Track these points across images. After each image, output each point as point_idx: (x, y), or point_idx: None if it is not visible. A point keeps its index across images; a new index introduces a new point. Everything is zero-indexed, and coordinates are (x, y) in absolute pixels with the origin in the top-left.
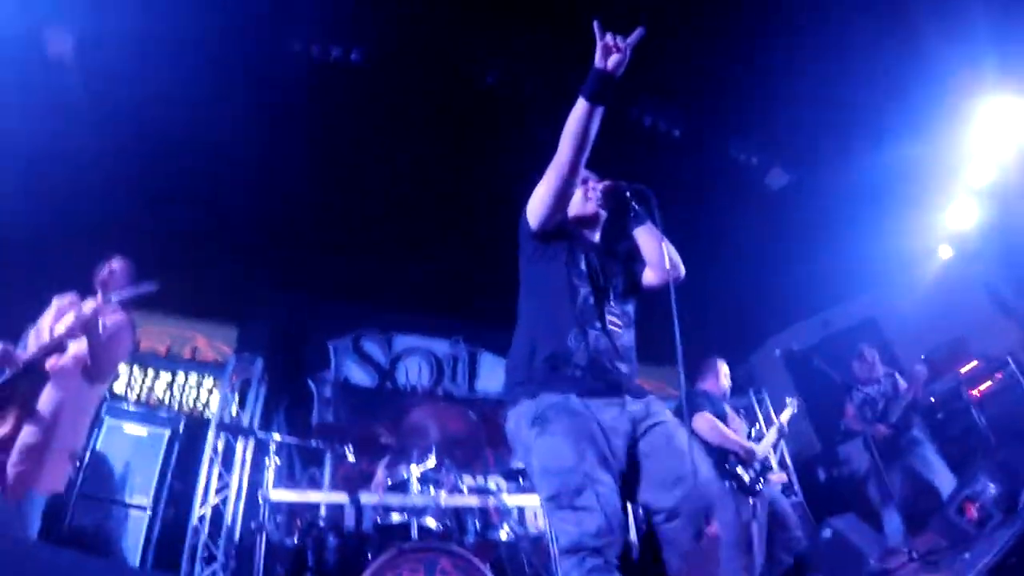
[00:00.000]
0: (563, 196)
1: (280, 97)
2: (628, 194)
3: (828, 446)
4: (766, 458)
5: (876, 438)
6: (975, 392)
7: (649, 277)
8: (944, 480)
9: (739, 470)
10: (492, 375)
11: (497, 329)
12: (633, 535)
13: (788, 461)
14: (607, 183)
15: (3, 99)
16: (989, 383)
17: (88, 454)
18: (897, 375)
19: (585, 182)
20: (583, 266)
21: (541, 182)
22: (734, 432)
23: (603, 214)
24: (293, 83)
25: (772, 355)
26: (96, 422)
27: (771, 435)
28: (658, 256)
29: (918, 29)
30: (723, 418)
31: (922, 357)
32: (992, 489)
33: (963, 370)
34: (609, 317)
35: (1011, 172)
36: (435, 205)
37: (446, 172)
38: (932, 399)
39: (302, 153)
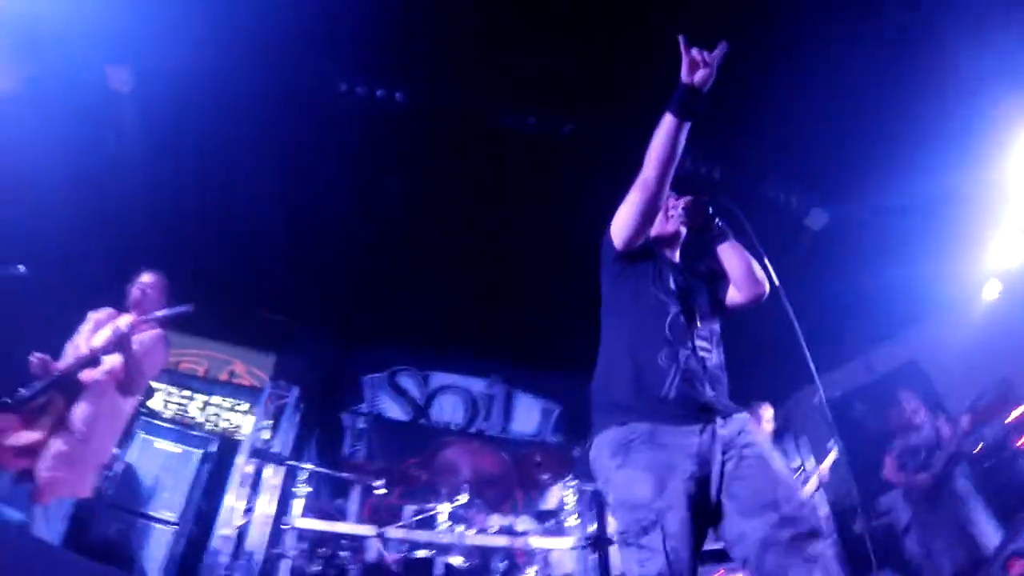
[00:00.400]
0: (650, 214)
1: (324, 136)
2: (711, 209)
3: (867, 497)
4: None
5: (916, 488)
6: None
7: (733, 295)
8: (990, 534)
9: None
10: (527, 416)
11: (533, 370)
12: None
13: (826, 510)
14: (688, 199)
15: (65, 127)
16: None
17: (121, 465)
18: (940, 423)
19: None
20: (671, 284)
21: (625, 201)
22: None
23: (683, 232)
24: (337, 122)
25: (811, 400)
26: (128, 434)
27: (812, 483)
28: (743, 271)
29: (957, 60)
30: None
31: (967, 406)
32: None
33: (1011, 417)
34: (699, 338)
35: None
36: (476, 246)
37: (487, 214)
38: (978, 447)
39: (344, 191)
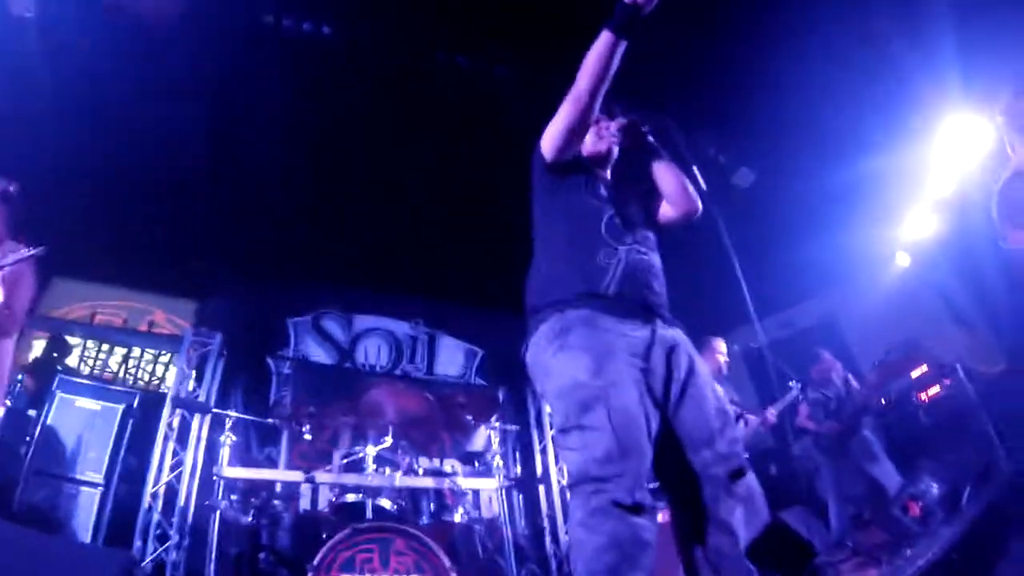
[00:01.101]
0: (580, 128)
1: (247, 69)
2: (645, 128)
3: (781, 442)
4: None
5: (826, 435)
6: (924, 396)
7: (666, 211)
8: (891, 479)
9: None
10: (451, 359)
11: (458, 312)
12: None
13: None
14: (623, 121)
15: None
16: (938, 388)
17: (38, 428)
18: (851, 377)
19: (597, 122)
20: (603, 192)
21: (557, 115)
22: None
23: (615, 152)
24: (260, 57)
25: (732, 349)
26: (48, 395)
27: (752, 423)
28: (675, 188)
29: (888, 46)
30: None
31: (875, 363)
32: (935, 489)
33: (914, 374)
34: (635, 241)
35: (970, 186)
36: (401, 185)
37: (412, 151)
38: (883, 401)
39: (266, 129)
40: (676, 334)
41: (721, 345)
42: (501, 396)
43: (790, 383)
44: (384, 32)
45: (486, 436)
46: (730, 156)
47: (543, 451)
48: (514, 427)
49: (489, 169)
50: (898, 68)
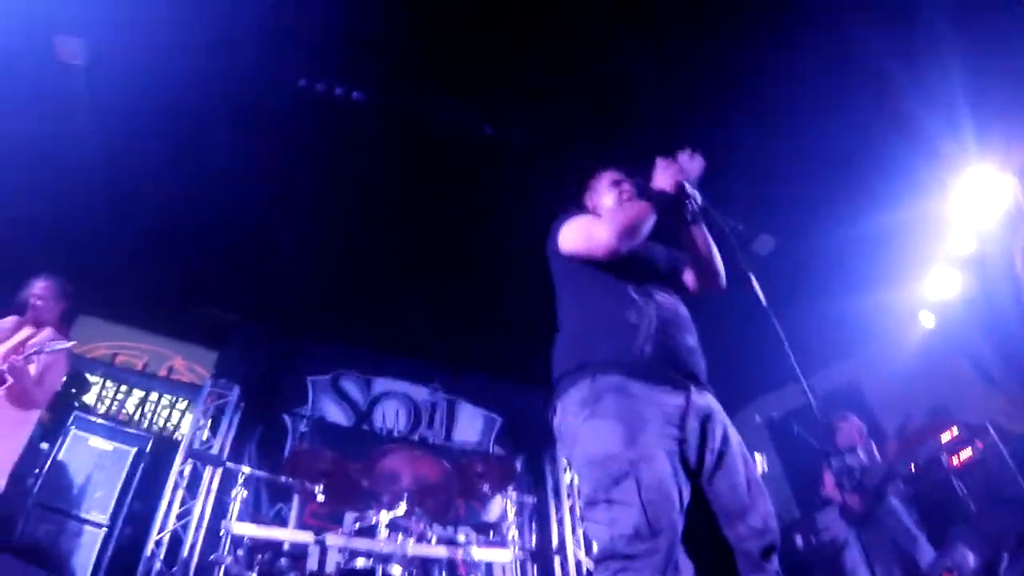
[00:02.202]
0: (595, 259)
1: (278, 130)
2: (687, 188)
3: (807, 513)
4: None
5: (850, 508)
6: (955, 460)
7: (689, 278)
8: (924, 551)
9: None
10: (470, 425)
11: (477, 379)
12: None
13: None
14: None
15: (10, 98)
16: (969, 452)
17: (49, 462)
18: (873, 446)
19: (619, 183)
20: (644, 255)
21: (583, 228)
22: None
23: None
24: (291, 117)
25: (753, 420)
26: (62, 430)
27: None
28: (706, 255)
29: (901, 102)
30: None
31: (895, 430)
32: (971, 559)
33: (944, 438)
34: (664, 293)
35: (991, 242)
36: (425, 250)
37: (435, 218)
38: (912, 467)
39: (295, 187)
40: (710, 401)
41: None
42: (519, 465)
43: (755, 454)
44: (412, 98)
45: (502, 506)
46: (749, 223)
47: (560, 522)
48: (531, 498)
49: (512, 237)
50: (914, 125)
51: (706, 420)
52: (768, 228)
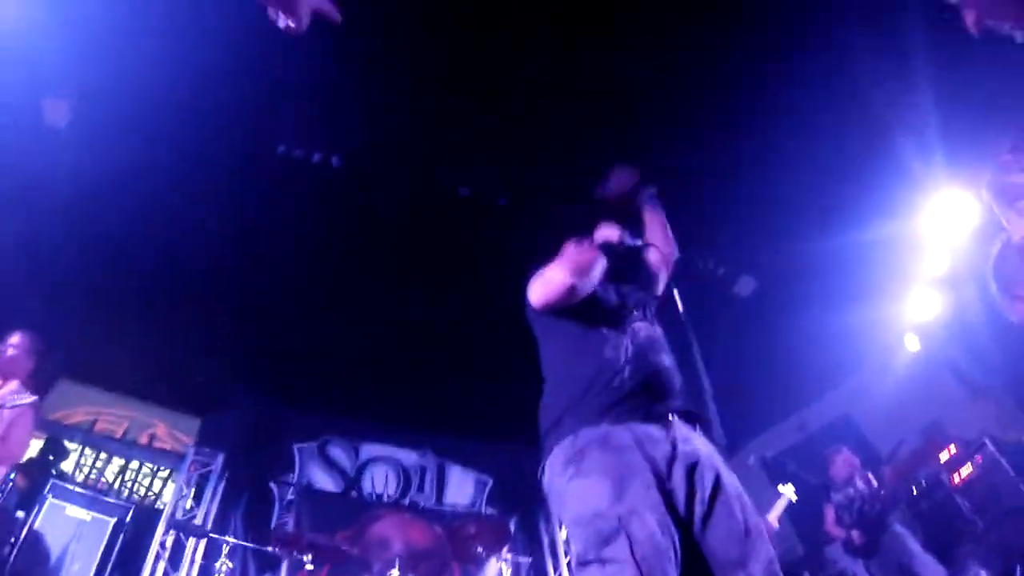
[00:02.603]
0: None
1: (258, 196)
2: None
3: (812, 549)
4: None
5: (853, 542)
6: (956, 478)
7: (655, 260)
8: (934, 572)
9: None
10: (460, 488)
11: (466, 441)
12: None
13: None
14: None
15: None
16: (969, 467)
17: (25, 531)
18: (870, 476)
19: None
20: (609, 299)
21: (544, 280)
22: None
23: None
24: (272, 182)
25: (747, 463)
26: (38, 498)
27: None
28: (661, 230)
29: (873, 124)
30: None
31: (888, 456)
32: (984, 575)
33: (942, 457)
34: (636, 321)
35: (964, 262)
36: (409, 314)
37: (420, 282)
38: (914, 490)
39: (278, 253)
40: (698, 445)
41: None
42: (512, 526)
43: (780, 488)
44: (392, 163)
45: (497, 568)
46: (728, 266)
47: None
48: (527, 559)
49: (494, 300)
50: (886, 147)
51: (693, 468)
52: (749, 270)
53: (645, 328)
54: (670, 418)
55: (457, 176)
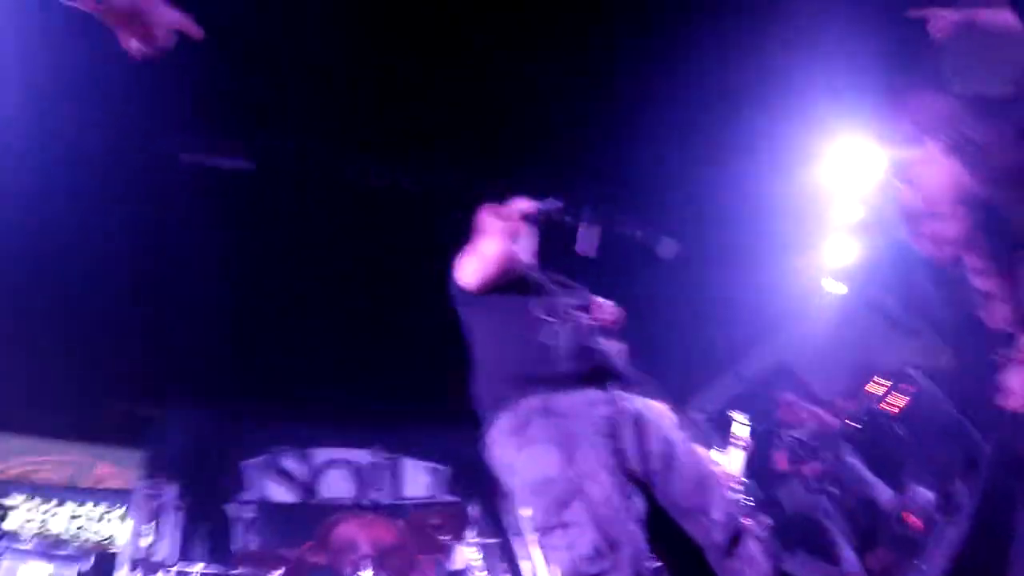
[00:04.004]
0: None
1: (173, 206)
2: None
3: (766, 492)
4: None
5: (811, 475)
6: (892, 407)
7: None
8: (885, 496)
9: None
10: (417, 479)
11: (417, 432)
12: None
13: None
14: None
15: None
16: (903, 397)
17: None
18: (820, 412)
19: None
20: (532, 276)
21: (469, 261)
22: None
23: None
24: (186, 191)
25: (696, 421)
26: None
27: (737, 456)
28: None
29: (775, 73)
30: None
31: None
32: (929, 494)
33: (875, 390)
34: (567, 303)
35: (875, 207)
36: (343, 310)
37: (351, 274)
38: (855, 424)
39: (197, 261)
40: (640, 404)
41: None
42: (474, 510)
43: (732, 414)
44: (315, 155)
45: (466, 553)
46: (647, 229)
47: (527, 556)
48: (495, 540)
49: (428, 286)
50: (790, 95)
51: (639, 425)
52: (668, 231)
53: (569, 297)
54: (606, 382)
55: (386, 163)
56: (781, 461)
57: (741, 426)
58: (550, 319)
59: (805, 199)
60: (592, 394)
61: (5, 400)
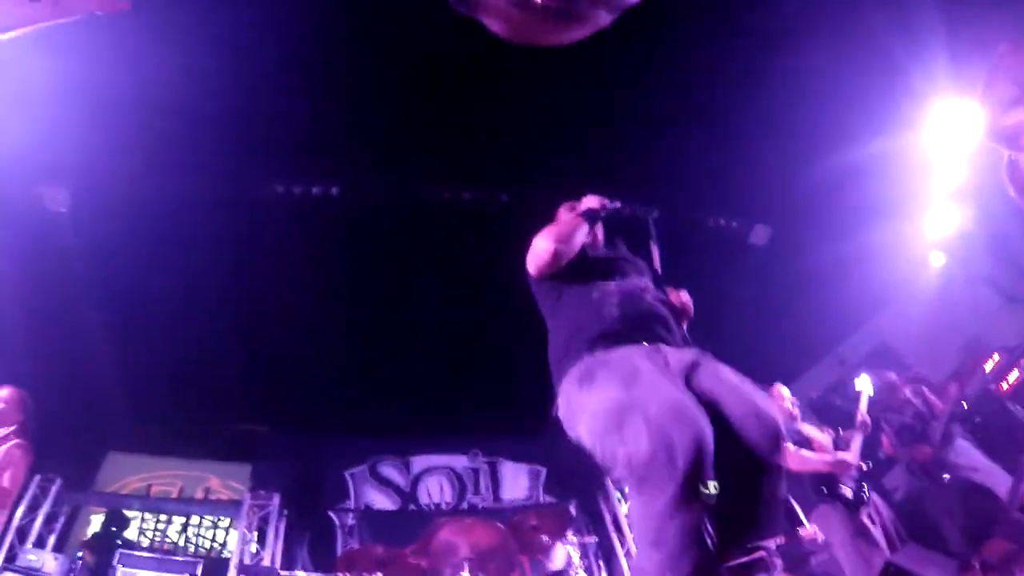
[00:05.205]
0: (556, 264)
1: (269, 238)
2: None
3: (874, 479)
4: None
5: (919, 460)
6: (1004, 386)
7: None
8: (1000, 482)
9: (841, 488)
10: (515, 482)
11: (513, 436)
12: None
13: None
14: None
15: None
16: (1016, 373)
17: None
18: (926, 391)
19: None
20: (595, 259)
21: (536, 246)
22: (819, 452)
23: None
24: (279, 222)
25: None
26: (109, 571)
27: (857, 438)
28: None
29: (876, 37)
30: (801, 444)
31: (948, 373)
32: None
33: (987, 367)
34: (630, 279)
35: (978, 172)
36: (435, 325)
37: (439, 292)
38: (965, 405)
39: (295, 288)
40: (694, 353)
41: (781, 390)
42: (573, 509)
43: (856, 382)
44: (391, 182)
45: (565, 553)
46: (741, 219)
47: (627, 554)
48: (592, 538)
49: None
50: (890, 60)
51: (693, 368)
52: (760, 219)
53: (636, 281)
54: (660, 343)
55: (457, 184)
56: (887, 444)
57: (864, 398)
58: (616, 290)
59: (904, 167)
60: (647, 349)
61: (124, 423)
